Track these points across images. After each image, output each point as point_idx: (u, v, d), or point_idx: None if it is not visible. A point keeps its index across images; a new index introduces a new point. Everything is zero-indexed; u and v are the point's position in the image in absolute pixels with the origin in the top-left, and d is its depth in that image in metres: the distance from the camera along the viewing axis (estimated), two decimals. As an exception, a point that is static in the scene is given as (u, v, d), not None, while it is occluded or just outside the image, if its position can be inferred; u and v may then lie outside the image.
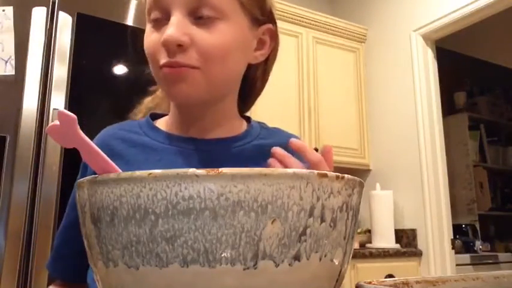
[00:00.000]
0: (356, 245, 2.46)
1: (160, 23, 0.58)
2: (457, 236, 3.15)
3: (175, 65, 0.56)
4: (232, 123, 0.67)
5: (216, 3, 0.57)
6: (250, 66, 0.66)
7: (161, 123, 0.69)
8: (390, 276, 2.23)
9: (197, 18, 0.57)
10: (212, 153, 0.63)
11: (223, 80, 0.60)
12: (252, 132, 0.68)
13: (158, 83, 0.63)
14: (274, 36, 0.67)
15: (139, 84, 0.73)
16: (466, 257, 3.03)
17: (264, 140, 0.68)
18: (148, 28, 0.60)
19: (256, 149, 0.66)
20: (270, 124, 0.75)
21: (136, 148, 0.64)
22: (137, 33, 0.70)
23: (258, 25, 0.63)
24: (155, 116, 0.71)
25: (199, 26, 0.57)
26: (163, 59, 0.57)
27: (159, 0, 0.58)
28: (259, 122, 0.73)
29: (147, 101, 0.77)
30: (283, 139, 0.71)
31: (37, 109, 1.54)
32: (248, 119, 0.72)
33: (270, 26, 0.65)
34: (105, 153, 0.58)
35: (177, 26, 0.56)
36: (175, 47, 0.55)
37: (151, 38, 0.59)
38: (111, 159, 0.60)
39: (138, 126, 0.68)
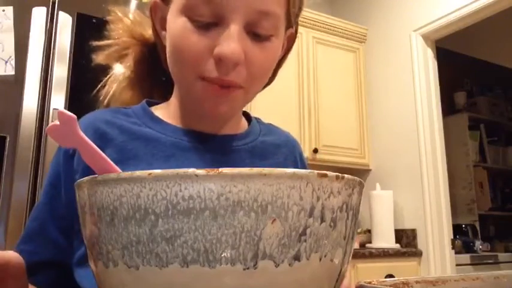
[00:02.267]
0: (356, 245, 2.46)
1: (206, 24, 0.51)
2: (457, 236, 3.14)
3: (226, 84, 0.52)
4: (236, 120, 0.67)
5: (276, 18, 0.53)
6: None
7: (161, 114, 0.63)
8: (390, 276, 2.23)
9: (254, 34, 0.52)
10: (222, 150, 0.62)
11: (257, 93, 0.59)
12: (254, 129, 0.68)
13: (182, 87, 0.59)
14: (292, 39, 0.66)
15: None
16: (466, 257, 3.03)
17: (266, 136, 0.68)
18: (185, 22, 0.52)
19: (263, 145, 0.66)
20: (270, 124, 0.76)
21: (139, 141, 0.58)
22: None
23: (285, 30, 0.62)
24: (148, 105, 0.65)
25: (254, 42, 0.53)
26: (211, 73, 0.51)
27: (214, 0, 0.50)
28: (255, 118, 0.73)
29: (112, 82, 0.68)
30: (281, 137, 0.72)
31: (37, 109, 1.54)
32: (247, 115, 0.72)
33: (293, 30, 0.64)
34: (94, 138, 0.55)
35: (239, 42, 0.50)
36: (231, 65, 0.50)
37: (194, 41, 0.51)
38: (103, 145, 0.57)
39: (133, 115, 0.61)
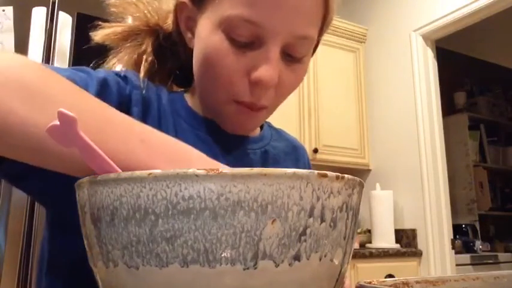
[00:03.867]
0: (356, 245, 2.46)
1: (244, 44, 0.50)
2: (457, 236, 3.15)
3: (257, 108, 0.53)
4: None
5: (311, 41, 0.52)
6: None
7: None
8: (390, 276, 2.23)
9: (287, 54, 0.52)
10: (239, 151, 0.62)
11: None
12: (266, 134, 0.69)
13: (209, 100, 0.57)
14: (314, 48, 0.66)
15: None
16: (466, 257, 3.03)
17: (277, 142, 0.69)
18: (223, 40, 0.50)
19: (275, 151, 0.67)
20: (270, 124, 0.76)
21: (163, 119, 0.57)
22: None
23: None
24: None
25: (287, 65, 0.52)
26: (245, 97, 0.51)
27: (257, 22, 0.48)
28: (267, 122, 0.72)
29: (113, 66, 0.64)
30: (291, 143, 0.73)
31: (37, 109, 1.54)
32: None
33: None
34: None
35: (276, 67, 0.50)
36: (266, 89, 0.51)
37: (231, 61, 0.50)
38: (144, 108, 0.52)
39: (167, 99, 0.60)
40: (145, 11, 0.60)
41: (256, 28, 0.48)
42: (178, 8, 0.57)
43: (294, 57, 0.52)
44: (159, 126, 0.55)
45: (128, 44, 0.60)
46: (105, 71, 0.55)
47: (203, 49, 0.53)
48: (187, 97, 0.62)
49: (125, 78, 0.56)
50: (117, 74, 0.56)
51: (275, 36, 0.49)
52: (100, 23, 0.60)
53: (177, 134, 0.56)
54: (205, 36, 0.52)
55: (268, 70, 0.49)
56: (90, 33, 0.59)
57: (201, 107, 0.61)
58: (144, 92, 0.56)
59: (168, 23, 0.61)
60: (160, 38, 0.61)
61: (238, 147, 0.62)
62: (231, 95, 0.52)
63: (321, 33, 0.56)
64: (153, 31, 0.61)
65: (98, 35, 0.60)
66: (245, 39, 0.49)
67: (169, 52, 0.62)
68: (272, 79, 0.49)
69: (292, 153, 0.71)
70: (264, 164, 0.63)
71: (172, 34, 0.61)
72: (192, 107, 0.61)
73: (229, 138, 0.60)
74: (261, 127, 0.70)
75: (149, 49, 0.60)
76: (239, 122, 0.56)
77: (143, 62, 0.59)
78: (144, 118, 0.54)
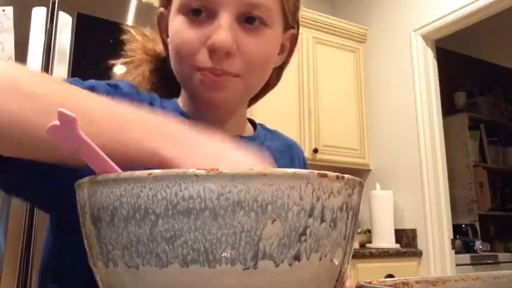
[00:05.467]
0: (356, 245, 2.46)
1: (200, 17, 0.54)
2: (457, 236, 3.14)
3: (219, 73, 0.54)
4: (243, 124, 0.68)
5: (267, 9, 0.55)
6: None
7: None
8: (390, 276, 2.23)
9: (245, 22, 0.55)
10: None
11: (258, 86, 0.61)
12: (260, 134, 0.70)
13: (183, 82, 0.60)
14: (294, 41, 0.66)
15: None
16: (466, 257, 3.03)
17: (271, 142, 0.70)
18: (181, 19, 0.55)
19: (269, 151, 0.67)
20: (270, 124, 0.77)
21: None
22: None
23: (285, 30, 0.63)
24: None
25: (247, 32, 0.55)
26: (205, 63, 0.53)
27: None
28: (259, 124, 0.74)
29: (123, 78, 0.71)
30: (285, 142, 0.73)
31: (37, 109, 1.54)
32: (252, 121, 0.73)
33: (294, 31, 0.65)
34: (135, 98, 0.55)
35: (229, 31, 0.52)
36: (223, 54, 0.52)
37: (189, 34, 0.54)
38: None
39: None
40: (142, 41, 0.67)
41: (206, 2, 0.53)
42: (159, 21, 0.63)
43: (252, 25, 0.55)
44: None
45: (132, 71, 0.68)
46: (95, 80, 0.58)
47: (170, 37, 0.58)
48: (179, 101, 0.65)
49: (115, 86, 0.58)
50: (108, 83, 0.59)
51: (224, 6, 0.53)
52: (114, 62, 0.70)
53: None
54: (171, 25, 0.58)
55: (219, 34, 0.52)
56: (114, 72, 0.71)
57: (190, 107, 0.63)
58: (136, 98, 0.59)
59: (161, 46, 0.66)
60: (159, 63, 0.67)
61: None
62: (193, 65, 0.54)
63: (284, 9, 0.59)
64: (152, 58, 0.67)
65: (118, 74, 0.72)
66: (200, 14, 0.54)
67: (167, 73, 0.65)
68: (224, 42, 0.51)
69: (287, 152, 0.71)
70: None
71: (166, 53, 0.65)
72: (184, 110, 0.63)
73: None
74: (254, 128, 0.71)
75: (147, 74, 0.67)
76: (208, 93, 0.56)
77: (145, 85, 0.66)
78: None
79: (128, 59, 0.69)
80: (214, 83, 0.54)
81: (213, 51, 0.52)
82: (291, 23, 0.63)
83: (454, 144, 3.61)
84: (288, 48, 0.66)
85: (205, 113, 0.61)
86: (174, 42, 0.56)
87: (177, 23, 0.56)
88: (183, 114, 0.61)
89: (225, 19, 0.53)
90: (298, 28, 0.66)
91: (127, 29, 0.68)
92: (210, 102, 0.58)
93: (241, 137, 0.64)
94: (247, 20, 0.55)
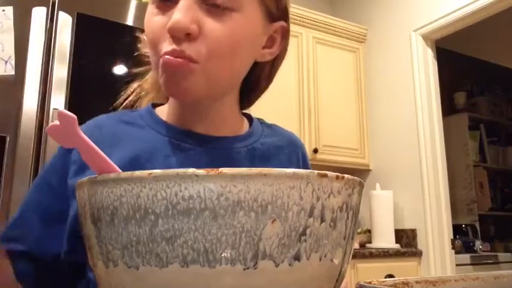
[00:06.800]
0: (356, 245, 2.46)
1: (166, 4, 0.53)
2: (457, 236, 3.14)
3: (179, 55, 0.51)
4: (235, 121, 0.65)
5: None
6: (255, 64, 0.62)
7: (162, 115, 0.63)
8: (390, 276, 2.23)
9: (209, 5, 0.52)
10: (223, 152, 0.61)
11: (226, 78, 0.57)
12: (256, 130, 0.67)
13: (155, 72, 0.58)
14: (285, 35, 0.63)
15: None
16: (466, 257, 3.03)
17: (268, 138, 0.67)
18: (151, 9, 0.55)
19: (264, 147, 0.65)
20: (270, 124, 0.75)
21: (140, 141, 0.59)
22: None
23: (271, 21, 0.60)
24: (153, 106, 0.66)
25: (210, 15, 0.52)
26: (166, 47, 0.51)
27: None
28: (258, 119, 0.71)
29: (135, 87, 0.71)
30: (284, 137, 0.71)
31: (37, 109, 1.54)
32: (249, 117, 0.70)
33: (283, 23, 0.61)
34: (105, 140, 0.57)
35: (187, 12, 0.51)
36: (182, 35, 0.51)
37: (154, 21, 0.54)
38: (111, 147, 0.58)
39: (139, 117, 0.63)
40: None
41: None
42: None
43: (216, 6, 0.52)
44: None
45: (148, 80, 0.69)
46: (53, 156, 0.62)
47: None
48: (163, 109, 0.64)
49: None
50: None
51: None
52: (136, 71, 0.70)
53: (156, 146, 0.59)
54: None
55: (177, 16, 0.50)
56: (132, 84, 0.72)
57: (178, 114, 0.62)
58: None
59: None
60: None
61: (218, 147, 0.61)
62: (158, 53, 0.53)
63: None
64: None
65: (136, 85, 0.72)
66: (167, 1, 0.53)
67: None
68: (179, 23, 0.50)
69: (286, 148, 0.68)
70: (250, 162, 0.61)
71: None
72: (167, 119, 0.62)
73: (209, 139, 0.60)
74: (250, 124, 0.68)
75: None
76: (171, 79, 0.53)
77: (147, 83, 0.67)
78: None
79: (142, 68, 0.69)
80: (172, 65, 0.51)
81: (172, 34, 0.51)
82: (275, 12, 0.60)
83: (454, 144, 3.62)
84: (279, 42, 0.63)
85: (198, 123, 0.61)
86: (146, 33, 0.56)
87: (147, 13, 0.55)
88: (165, 125, 0.61)
89: (183, 1, 0.51)
90: (288, 20, 0.63)
91: (140, 37, 0.66)
92: (172, 90, 0.55)
93: (233, 138, 0.63)
94: (213, 5, 0.52)
